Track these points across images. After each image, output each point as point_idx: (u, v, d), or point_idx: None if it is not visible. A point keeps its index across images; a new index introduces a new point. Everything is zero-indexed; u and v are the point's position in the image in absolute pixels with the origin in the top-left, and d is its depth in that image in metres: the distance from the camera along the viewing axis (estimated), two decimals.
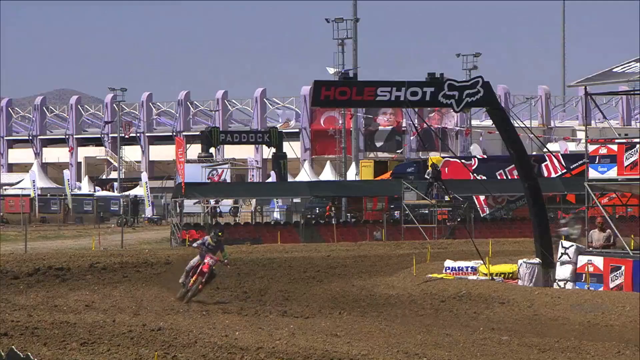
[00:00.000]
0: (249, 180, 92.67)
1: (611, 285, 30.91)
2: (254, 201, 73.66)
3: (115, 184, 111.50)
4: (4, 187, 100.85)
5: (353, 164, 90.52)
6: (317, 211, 69.36)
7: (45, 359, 19.26)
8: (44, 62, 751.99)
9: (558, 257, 32.76)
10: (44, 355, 20.05)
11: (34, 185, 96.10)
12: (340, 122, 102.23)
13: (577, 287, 31.59)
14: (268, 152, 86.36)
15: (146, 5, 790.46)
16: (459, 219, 61.18)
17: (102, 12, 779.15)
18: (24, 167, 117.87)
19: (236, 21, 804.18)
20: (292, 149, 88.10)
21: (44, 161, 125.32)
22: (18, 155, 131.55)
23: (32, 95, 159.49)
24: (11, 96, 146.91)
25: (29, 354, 8.84)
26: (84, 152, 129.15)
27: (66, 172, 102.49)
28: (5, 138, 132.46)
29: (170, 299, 30.81)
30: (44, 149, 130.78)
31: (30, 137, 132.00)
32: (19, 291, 33.54)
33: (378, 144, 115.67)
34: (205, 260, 30.05)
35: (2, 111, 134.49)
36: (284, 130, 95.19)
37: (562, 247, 32.79)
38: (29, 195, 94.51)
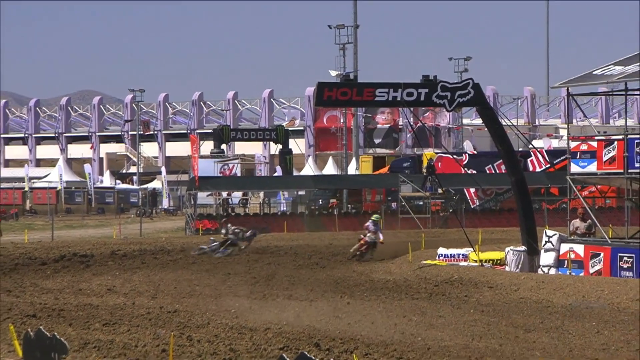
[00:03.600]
0: (257, 174, 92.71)
1: (591, 270, 30.92)
2: (262, 193, 73.72)
3: (135, 178, 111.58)
4: (32, 181, 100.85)
5: (353, 159, 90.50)
6: (321, 202, 69.38)
7: (70, 338, 19.29)
8: (69, 65, 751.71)
9: (542, 244, 32.76)
10: (69, 335, 20.08)
11: (61, 179, 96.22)
12: (341, 120, 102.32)
13: (559, 273, 31.60)
14: (275, 148, 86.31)
15: (165, 14, 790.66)
16: (451, 210, 61.19)
17: (123, 20, 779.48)
18: (51, 162, 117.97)
19: (246, 28, 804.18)
20: (297, 146, 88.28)
21: (69, 157, 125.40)
22: (45, 151, 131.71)
23: (58, 95, 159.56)
24: (39, 97, 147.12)
25: (55, 333, 8.84)
26: (106, 148, 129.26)
27: (87, 166, 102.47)
28: (33, 135, 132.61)
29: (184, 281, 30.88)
30: (69, 145, 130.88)
31: (57, 135, 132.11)
32: (46, 276, 33.61)
33: (376, 141, 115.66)
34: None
35: (31, 111, 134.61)
36: (289, 128, 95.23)
37: (546, 235, 32.79)
38: (56, 187, 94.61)
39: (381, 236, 38.77)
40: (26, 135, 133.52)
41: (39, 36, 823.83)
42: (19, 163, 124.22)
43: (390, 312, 24.87)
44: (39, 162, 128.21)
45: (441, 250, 36.37)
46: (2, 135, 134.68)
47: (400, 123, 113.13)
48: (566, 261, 31.76)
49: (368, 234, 38.55)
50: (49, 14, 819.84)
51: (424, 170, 61.94)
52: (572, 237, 32.84)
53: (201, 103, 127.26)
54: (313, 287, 30.00)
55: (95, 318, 23.31)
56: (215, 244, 41.14)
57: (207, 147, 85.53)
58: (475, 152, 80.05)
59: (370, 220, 39.42)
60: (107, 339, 20.20)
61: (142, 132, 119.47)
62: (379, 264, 35.85)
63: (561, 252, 32.12)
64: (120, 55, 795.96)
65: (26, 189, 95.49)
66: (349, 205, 68.41)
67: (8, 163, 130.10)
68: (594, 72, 33.61)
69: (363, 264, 36.29)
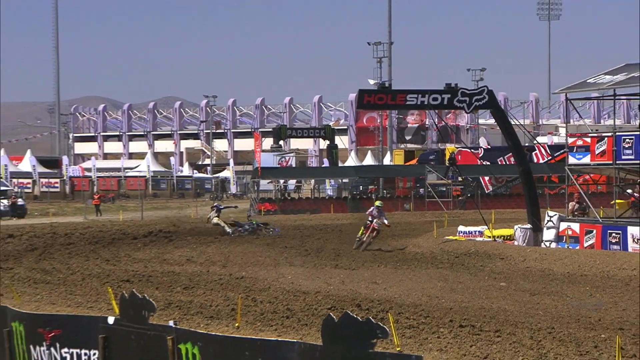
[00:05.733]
0: (309, 165, 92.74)
1: (585, 244, 30.70)
2: (312, 181, 73.81)
3: (208, 168, 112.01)
4: (126, 170, 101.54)
5: (388, 153, 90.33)
6: (361, 188, 69.30)
7: (157, 299, 19.41)
8: (155, 76, 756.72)
9: (545, 223, 32.56)
10: (156, 297, 20.21)
11: (149, 169, 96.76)
12: (378, 120, 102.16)
13: (559, 246, 31.40)
14: (323, 144, 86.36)
15: (234, 36, 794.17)
16: (469, 195, 60.92)
17: (199, 39, 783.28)
18: (141, 155, 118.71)
19: (299, 45, 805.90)
20: (342, 142, 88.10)
21: (155, 151, 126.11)
22: (136, 146, 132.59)
23: (147, 101, 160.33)
24: (131, 102, 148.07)
25: (145, 295, 8.89)
26: (185, 144, 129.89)
27: (172, 159, 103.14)
28: (127, 133, 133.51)
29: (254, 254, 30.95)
30: (155, 141, 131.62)
31: (145, 133, 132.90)
32: (137, 248, 33.78)
33: (407, 138, 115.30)
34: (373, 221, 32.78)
35: (125, 113, 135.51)
36: (335, 127, 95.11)
37: (548, 215, 32.59)
38: (145, 176, 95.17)
39: (386, 220, 33.86)
40: (121, 133, 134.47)
41: (131, 52, 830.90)
42: (115, 156, 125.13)
43: (418, 278, 24.83)
44: (131, 155, 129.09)
45: (461, 228, 36.24)
46: (101, 134, 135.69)
47: (427, 123, 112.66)
48: (564, 237, 31.55)
49: (375, 220, 33.07)
50: (140, 35, 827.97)
51: (447, 162, 61.71)
52: (570, 216, 32.62)
53: (263, 107, 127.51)
54: (355, 258, 29.98)
55: (177, 283, 23.43)
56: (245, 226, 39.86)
57: (268, 142, 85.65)
58: (489, 147, 79.62)
59: (374, 207, 34.14)
60: (187, 300, 20.30)
61: (214, 131, 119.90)
62: (409, 240, 35.73)
63: (560, 229, 31.91)
64: (196, 68, 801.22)
65: (121, 177, 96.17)
66: (384, 191, 68.28)
67: (106, 156, 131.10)
68: (588, 81, 33.34)
69: (396, 239, 36.16)
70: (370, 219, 33.34)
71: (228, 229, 38.73)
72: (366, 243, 32.90)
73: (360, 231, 33.47)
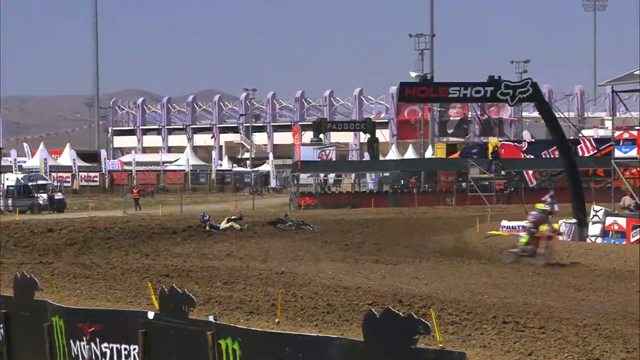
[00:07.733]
0: (349, 159, 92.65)
1: (632, 239, 30.45)
2: (353, 175, 73.71)
3: (248, 162, 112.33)
4: (165, 164, 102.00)
5: (430, 147, 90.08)
6: (402, 182, 69.16)
7: (196, 294, 19.49)
8: (195, 69, 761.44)
9: (590, 218, 32.32)
10: (196, 292, 20.28)
11: (188, 163, 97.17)
12: (420, 114, 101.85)
13: (605, 241, 31.16)
14: (364, 137, 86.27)
15: (274, 31, 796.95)
16: (512, 189, 60.60)
17: (239, 33, 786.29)
18: (180, 149, 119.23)
19: (339, 38, 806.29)
20: (383, 135, 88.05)
21: (194, 144, 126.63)
22: (175, 140, 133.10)
23: (186, 94, 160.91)
24: (170, 95, 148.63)
25: (185, 290, 8.95)
26: (224, 137, 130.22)
27: (213, 153, 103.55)
28: (166, 127, 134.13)
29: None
30: (194, 135, 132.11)
31: (184, 126, 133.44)
32: (177, 243, 33.95)
33: (449, 131, 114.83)
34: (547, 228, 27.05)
35: (164, 107, 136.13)
36: (376, 121, 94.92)
37: (594, 210, 32.37)
38: (184, 170, 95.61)
39: (556, 207, 29.23)
40: (160, 127, 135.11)
41: (170, 45, 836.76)
42: (154, 150, 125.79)
43: (461, 274, 24.74)
44: (170, 149, 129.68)
45: (504, 223, 36.07)
46: (140, 127, 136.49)
47: (469, 116, 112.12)
48: (610, 232, 31.30)
49: (547, 227, 27.39)
50: (179, 28, 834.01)
51: (490, 155, 61.44)
52: (624, 210, 32.41)
53: (303, 100, 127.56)
54: (396, 253, 29.92)
55: (217, 278, 23.50)
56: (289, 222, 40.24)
57: (308, 136, 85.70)
58: (532, 140, 79.10)
59: (536, 211, 27.94)
60: (226, 295, 20.36)
61: (254, 124, 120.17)
62: (451, 234, 35.57)
63: (606, 224, 31.67)
64: (236, 61, 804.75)
65: (160, 171, 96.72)
66: (426, 185, 68.10)
67: (145, 150, 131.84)
68: (634, 72, 33.07)
69: (438, 234, 36.00)
70: (531, 225, 27.69)
71: (236, 225, 39.03)
72: (545, 256, 27.04)
73: (525, 239, 27.75)
